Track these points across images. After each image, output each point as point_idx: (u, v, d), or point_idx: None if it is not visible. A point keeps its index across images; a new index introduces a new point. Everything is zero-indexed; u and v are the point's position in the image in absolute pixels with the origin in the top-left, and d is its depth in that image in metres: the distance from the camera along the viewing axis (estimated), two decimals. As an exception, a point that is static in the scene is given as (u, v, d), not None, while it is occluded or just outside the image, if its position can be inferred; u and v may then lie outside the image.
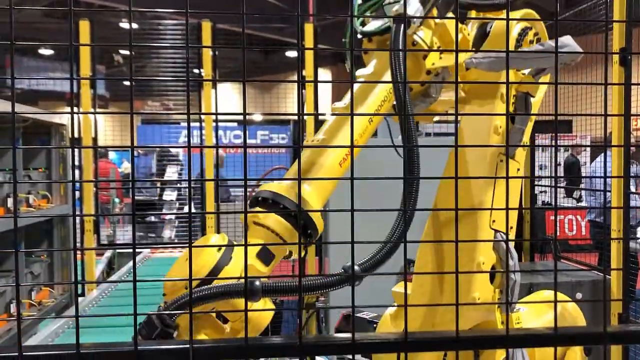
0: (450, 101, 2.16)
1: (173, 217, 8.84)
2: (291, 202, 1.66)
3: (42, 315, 4.48)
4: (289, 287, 1.37)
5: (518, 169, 2.20)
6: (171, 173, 9.71)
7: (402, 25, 1.67)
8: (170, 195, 9.63)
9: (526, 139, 2.18)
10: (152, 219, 9.53)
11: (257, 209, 1.69)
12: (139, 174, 9.79)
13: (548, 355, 2.35)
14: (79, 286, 5.17)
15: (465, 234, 1.98)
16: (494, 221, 2.05)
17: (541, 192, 8.63)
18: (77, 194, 5.72)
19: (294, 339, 1.02)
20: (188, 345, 0.99)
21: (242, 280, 1.39)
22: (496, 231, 2.08)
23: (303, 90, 5.82)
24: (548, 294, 2.68)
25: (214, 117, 6.72)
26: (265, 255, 1.62)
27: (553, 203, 8.40)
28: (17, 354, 0.96)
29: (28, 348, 0.99)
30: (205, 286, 1.48)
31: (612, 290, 4.45)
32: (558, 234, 6.90)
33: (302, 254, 1.30)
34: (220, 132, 10.83)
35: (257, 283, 1.39)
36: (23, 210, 4.31)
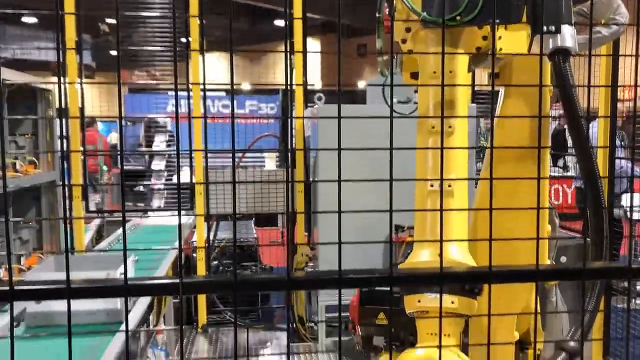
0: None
1: (162, 186, 8.82)
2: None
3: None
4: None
5: None
6: (159, 142, 9.64)
7: None
8: (158, 164, 9.57)
9: None
10: (141, 188, 9.49)
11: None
12: (127, 144, 9.73)
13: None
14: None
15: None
16: None
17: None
18: (65, 163, 5.67)
19: (282, 275, 1.04)
20: (178, 280, 1.01)
21: None
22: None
23: (292, 57, 5.77)
24: None
25: (201, 86, 6.66)
26: None
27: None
28: (7, 287, 0.97)
29: (20, 283, 1.00)
30: None
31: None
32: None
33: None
34: (209, 102, 10.75)
35: None
36: (10, 175, 4.28)
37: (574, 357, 1.60)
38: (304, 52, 5.96)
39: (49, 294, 0.99)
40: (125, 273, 1.00)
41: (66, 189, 5.28)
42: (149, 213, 6.82)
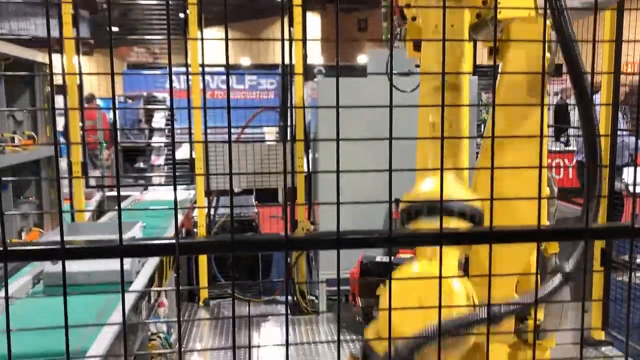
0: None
1: (162, 162, 8.80)
2: (472, 208, 1.68)
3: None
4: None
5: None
6: (159, 119, 9.61)
7: None
8: (158, 140, 9.55)
9: None
10: (142, 164, 9.48)
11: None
12: (126, 120, 9.69)
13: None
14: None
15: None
16: None
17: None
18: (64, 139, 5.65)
19: (280, 235, 1.03)
20: (174, 241, 0.99)
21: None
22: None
23: (290, 28, 5.69)
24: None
25: (200, 62, 6.59)
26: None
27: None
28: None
29: (14, 244, 0.99)
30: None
31: (597, 228, 4.51)
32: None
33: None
34: (208, 78, 10.67)
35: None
36: (8, 150, 4.26)
37: (569, 279, 1.64)
38: (304, 25, 5.88)
39: (44, 254, 0.97)
40: (120, 233, 0.98)
41: (64, 162, 5.27)
42: (149, 188, 6.80)
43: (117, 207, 0.99)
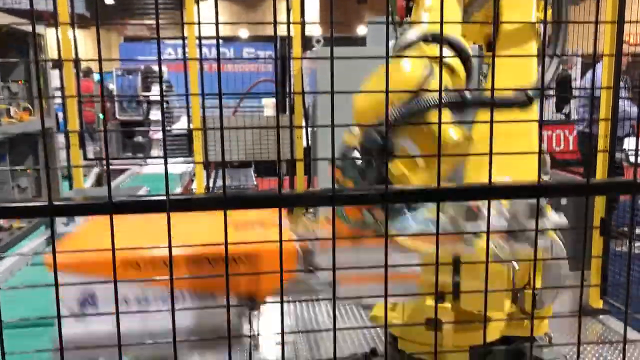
0: None
1: (161, 136, 8.74)
2: (455, 39, 1.79)
3: (32, 226, 4.50)
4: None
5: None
6: (156, 92, 9.53)
7: None
8: (156, 114, 9.50)
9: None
10: (140, 139, 9.44)
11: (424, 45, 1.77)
12: (124, 93, 9.60)
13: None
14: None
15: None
16: None
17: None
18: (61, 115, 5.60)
19: (274, 192, 1.01)
20: (164, 197, 0.97)
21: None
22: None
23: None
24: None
25: (197, 34, 6.49)
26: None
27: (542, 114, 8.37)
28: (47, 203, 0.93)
29: (59, 199, 0.96)
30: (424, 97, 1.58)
31: (596, 198, 4.50)
32: (546, 148, 6.94)
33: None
34: (205, 50, 10.56)
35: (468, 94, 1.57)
36: (4, 121, 4.22)
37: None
38: None
39: (91, 209, 0.96)
40: (109, 190, 0.96)
41: (61, 135, 5.23)
42: (148, 161, 6.78)
43: (105, 164, 0.96)
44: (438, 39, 1.79)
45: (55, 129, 5.21)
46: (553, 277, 2.27)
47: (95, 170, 6.32)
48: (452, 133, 1.65)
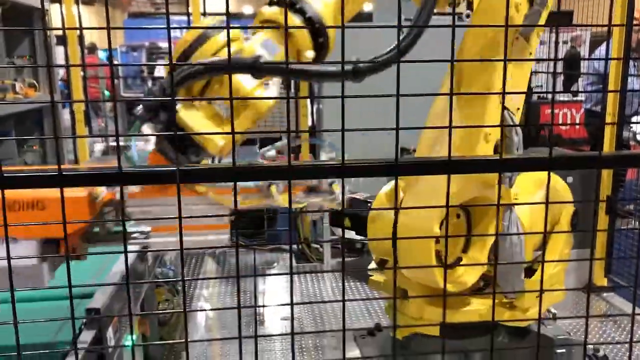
0: None
1: (165, 113, 8.72)
2: (310, 6, 1.66)
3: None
4: (292, 70, 1.42)
5: (530, 53, 2.21)
6: (161, 69, 9.47)
7: None
8: (161, 91, 9.47)
9: (542, 21, 2.18)
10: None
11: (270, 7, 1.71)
12: (129, 71, 9.57)
13: (538, 224, 2.41)
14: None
15: (477, 106, 2.01)
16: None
17: (537, 86, 8.51)
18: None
19: (284, 164, 1.00)
20: (175, 168, 0.97)
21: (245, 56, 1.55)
22: (505, 108, 2.11)
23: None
24: (537, 175, 2.71)
25: (202, 10, 6.43)
26: (269, 45, 1.65)
27: (550, 95, 8.30)
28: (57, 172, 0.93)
29: (68, 169, 0.96)
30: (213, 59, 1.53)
31: (603, 177, 4.48)
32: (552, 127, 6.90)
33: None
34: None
35: (262, 60, 1.46)
36: (10, 97, 4.22)
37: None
38: None
39: (101, 179, 0.96)
40: (119, 160, 0.96)
41: (66, 111, 5.23)
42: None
43: (115, 135, 0.96)
44: (286, 1, 1.69)
45: (60, 106, 5.21)
46: (504, 259, 2.26)
47: (100, 147, 6.32)
48: (247, 85, 1.61)
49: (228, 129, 1.58)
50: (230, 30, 1.60)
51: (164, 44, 10.13)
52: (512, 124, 2.15)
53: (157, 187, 1.62)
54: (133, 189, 1.66)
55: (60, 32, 5.51)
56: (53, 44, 5.42)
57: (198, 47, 1.60)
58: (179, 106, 1.55)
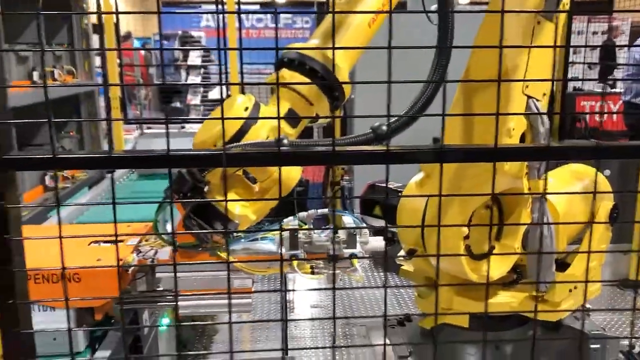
0: None
1: (199, 101, 8.81)
2: (318, 63, 1.66)
3: (76, 186, 4.62)
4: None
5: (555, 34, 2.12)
6: (194, 57, 9.56)
7: None
8: (194, 80, 9.55)
9: (565, 6, 2.09)
10: (178, 104, 9.53)
11: (284, 70, 1.70)
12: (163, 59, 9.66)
13: (574, 217, 2.36)
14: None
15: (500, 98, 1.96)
16: (527, 86, 2.00)
17: (572, 78, 8.33)
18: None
19: (328, 149, 1.01)
20: (221, 151, 0.98)
21: (271, 139, 1.53)
22: (529, 97, 2.03)
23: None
24: (575, 167, 2.65)
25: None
26: (292, 119, 1.69)
27: (586, 86, 8.13)
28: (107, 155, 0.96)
29: (119, 152, 0.99)
30: (237, 143, 1.55)
31: (640, 173, 4.37)
32: (587, 119, 6.74)
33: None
34: (242, 16, 10.51)
35: (286, 141, 1.49)
36: (48, 83, 4.31)
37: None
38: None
39: (150, 161, 0.99)
40: (167, 144, 0.98)
41: (101, 99, 5.32)
42: (187, 127, 6.86)
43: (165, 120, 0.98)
44: (295, 63, 1.73)
45: (96, 93, 5.30)
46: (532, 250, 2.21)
47: (135, 134, 6.42)
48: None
49: (258, 203, 1.74)
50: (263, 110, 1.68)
51: (196, 33, 10.20)
52: (537, 113, 2.08)
53: (186, 254, 1.87)
54: (164, 256, 1.93)
55: (96, 21, 5.59)
56: (90, 32, 5.50)
57: (240, 138, 1.63)
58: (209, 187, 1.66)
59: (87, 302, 1.89)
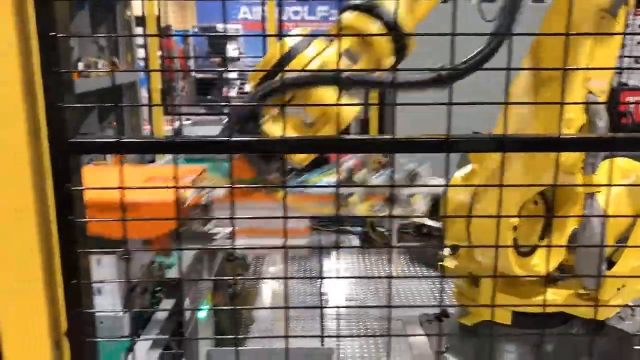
0: None
1: (235, 94, 8.88)
2: (384, 10, 1.66)
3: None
4: (377, 81, 1.41)
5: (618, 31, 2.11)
6: (231, 50, 9.64)
7: None
8: (231, 73, 9.62)
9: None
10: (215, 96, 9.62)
11: (347, 12, 1.71)
12: (198, 51, 9.78)
13: (621, 222, 2.31)
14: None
15: (558, 90, 1.93)
16: (588, 81, 2.00)
17: (617, 72, 8.09)
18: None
19: (334, 137, 1.00)
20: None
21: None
22: (589, 92, 2.03)
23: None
24: (620, 163, 2.59)
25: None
26: (351, 56, 1.66)
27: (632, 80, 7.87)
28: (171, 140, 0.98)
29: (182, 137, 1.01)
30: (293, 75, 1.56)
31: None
32: (634, 115, 6.56)
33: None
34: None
35: (347, 74, 1.46)
36: (93, 74, 4.39)
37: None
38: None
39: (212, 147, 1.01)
40: (231, 131, 0.99)
41: (143, 90, 5.41)
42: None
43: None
44: (363, 7, 1.68)
45: (139, 82, 5.39)
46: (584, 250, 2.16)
47: (175, 125, 6.51)
48: (332, 96, 1.61)
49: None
50: (315, 43, 1.67)
51: (232, 26, 10.27)
52: (596, 108, 2.06)
53: (241, 192, 1.76)
54: (218, 194, 1.87)
55: (139, 14, 5.69)
56: (133, 25, 5.61)
57: (288, 61, 1.62)
58: (265, 118, 1.59)
59: (146, 233, 1.88)
